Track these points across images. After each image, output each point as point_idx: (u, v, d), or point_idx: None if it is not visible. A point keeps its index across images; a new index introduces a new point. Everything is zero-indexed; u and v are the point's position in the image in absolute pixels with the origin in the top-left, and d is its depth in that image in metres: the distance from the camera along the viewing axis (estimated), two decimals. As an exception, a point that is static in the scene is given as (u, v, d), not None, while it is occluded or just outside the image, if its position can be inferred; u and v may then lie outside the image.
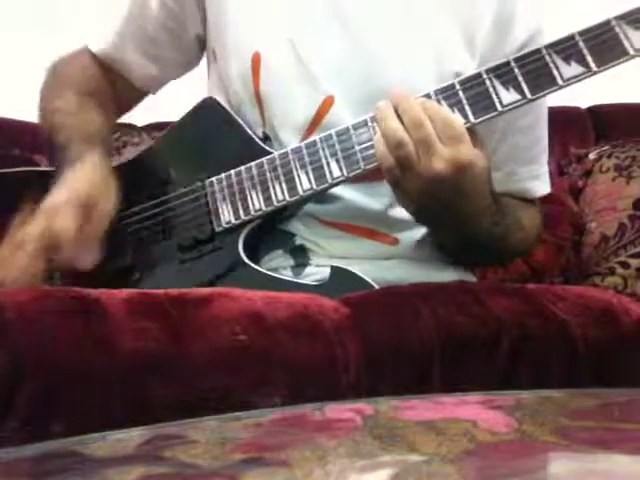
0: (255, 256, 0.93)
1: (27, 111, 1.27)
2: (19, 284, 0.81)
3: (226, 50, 0.97)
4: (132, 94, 1.10)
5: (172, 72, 1.09)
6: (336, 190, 0.92)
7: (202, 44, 1.04)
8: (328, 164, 0.87)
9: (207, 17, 0.99)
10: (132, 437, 0.50)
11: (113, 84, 1.08)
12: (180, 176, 0.96)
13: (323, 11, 0.94)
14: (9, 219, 0.99)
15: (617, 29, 0.79)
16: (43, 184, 0.94)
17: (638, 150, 1.33)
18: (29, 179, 1.04)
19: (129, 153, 1.40)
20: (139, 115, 1.27)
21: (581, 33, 0.80)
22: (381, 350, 0.72)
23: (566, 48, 0.81)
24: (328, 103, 0.92)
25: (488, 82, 0.82)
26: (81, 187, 0.87)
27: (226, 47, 0.97)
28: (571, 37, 0.81)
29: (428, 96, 0.83)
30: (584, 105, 1.58)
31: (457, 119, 0.80)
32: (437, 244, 0.98)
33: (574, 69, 0.80)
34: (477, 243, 0.92)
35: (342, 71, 0.93)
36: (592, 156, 1.39)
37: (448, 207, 0.83)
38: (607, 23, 0.80)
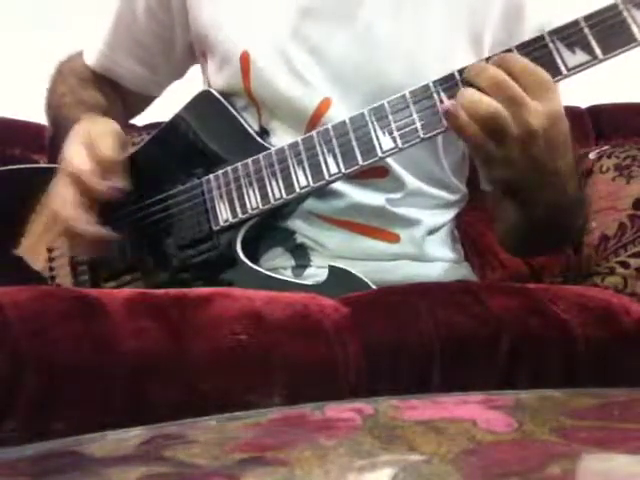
0: (255, 254, 0.93)
1: (27, 111, 1.27)
2: (68, 214, 0.90)
3: (213, 52, 0.96)
4: (136, 99, 1.11)
5: (169, 76, 1.10)
6: (336, 186, 0.91)
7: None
8: (325, 160, 0.85)
9: (189, 23, 0.98)
10: (132, 437, 0.50)
11: (115, 90, 1.09)
12: (177, 173, 0.96)
13: (319, 11, 0.91)
14: (9, 216, 1.00)
15: (625, 13, 0.76)
16: (45, 182, 0.95)
17: (638, 150, 1.33)
18: (31, 177, 1.05)
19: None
20: (139, 115, 1.27)
21: (586, 18, 0.77)
22: (381, 350, 0.72)
23: (570, 35, 0.77)
24: (325, 105, 0.91)
25: None
26: (85, 127, 0.93)
27: (212, 49, 0.96)
28: (575, 23, 0.78)
29: (427, 87, 0.82)
30: (584, 105, 1.58)
31: (538, 67, 0.76)
32: (512, 231, 0.96)
33: (579, 57, 0.77)
34: (567, 210, 0.88)
35: (340, 73, 0.91)
36: (592, 156, 1.39)
37: (543, 166, 0.78)
38: (614, 7, 0.77)
